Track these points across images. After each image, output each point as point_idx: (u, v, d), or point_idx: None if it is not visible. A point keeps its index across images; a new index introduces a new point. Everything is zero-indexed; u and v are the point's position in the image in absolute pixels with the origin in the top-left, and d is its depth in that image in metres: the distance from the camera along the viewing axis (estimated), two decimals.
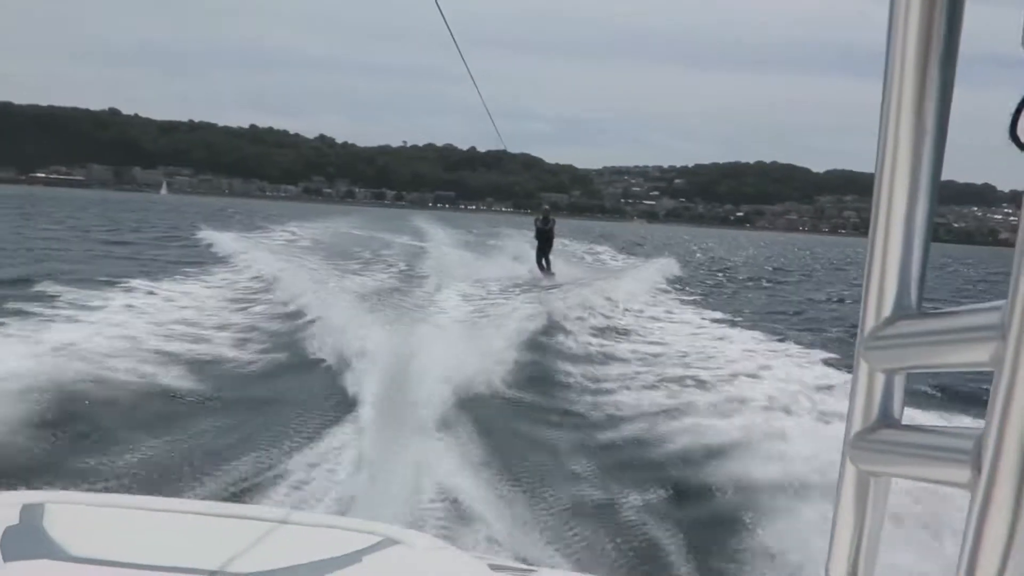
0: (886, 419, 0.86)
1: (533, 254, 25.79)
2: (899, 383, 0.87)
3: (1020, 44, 0.61)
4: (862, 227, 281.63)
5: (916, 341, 0.80)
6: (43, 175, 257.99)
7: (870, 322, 0.85)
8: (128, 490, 5.66)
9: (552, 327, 13.58)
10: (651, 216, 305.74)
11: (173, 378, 8.87)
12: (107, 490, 5.67)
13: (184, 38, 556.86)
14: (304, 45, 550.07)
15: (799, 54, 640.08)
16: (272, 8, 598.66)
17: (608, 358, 11.83)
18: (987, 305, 0.68)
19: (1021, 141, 0.71)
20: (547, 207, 29.06)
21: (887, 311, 0.84)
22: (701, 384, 9.75)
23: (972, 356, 0.70)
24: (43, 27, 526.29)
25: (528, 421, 8.62)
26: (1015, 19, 0.64)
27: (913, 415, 0.99)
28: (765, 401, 8.72)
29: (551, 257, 26.16)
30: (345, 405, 8.13)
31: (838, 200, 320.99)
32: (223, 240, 27.26)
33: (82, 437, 6.90)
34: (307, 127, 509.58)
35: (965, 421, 6.76)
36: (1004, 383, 0.59)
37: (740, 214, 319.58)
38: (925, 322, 0.80)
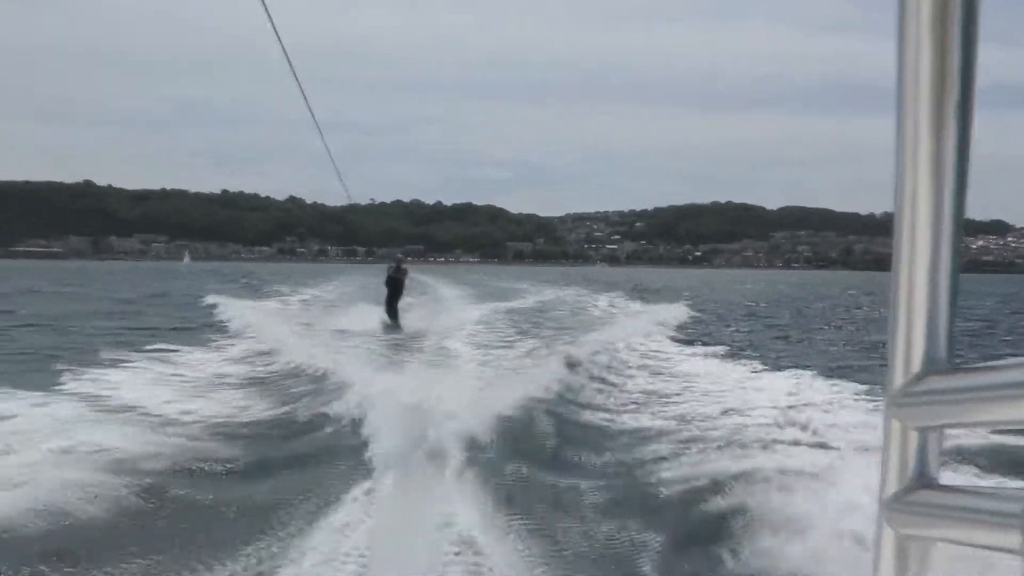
0: (923, 479, 0.83)
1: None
2: (934, 441, 0.83)
3: None
4: (815, 261, 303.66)
5: (951, 398, 0.77)
6: (23, 249, 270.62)
7: (898, 378, 0.82)
8: None
9: None
10: (613, 259, 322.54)
11: None
12: None
13: (149, 105, 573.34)
14: (269, 106, 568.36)
15: (751, 93, 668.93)
16: (233, 68, 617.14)
17: None
18: None
19: None
20: (400, 255, 28.35)
21: (916, 366, 0.80)
22: None
23: (1016, 413, 0.67)
24: (12, 105, 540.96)
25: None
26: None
27: (951, 474, 1.00)
28: None
29: (399, 308, 24.88)
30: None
31: (792, 235, 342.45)
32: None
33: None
34: (277, 189, 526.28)
35: (1009, 481, 7.55)
36: None
37: (698, 253, 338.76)
38: (960, 378, 0.77)
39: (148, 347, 18.10)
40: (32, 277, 75.63)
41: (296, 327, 22.62)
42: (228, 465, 8.84)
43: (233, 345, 19.51)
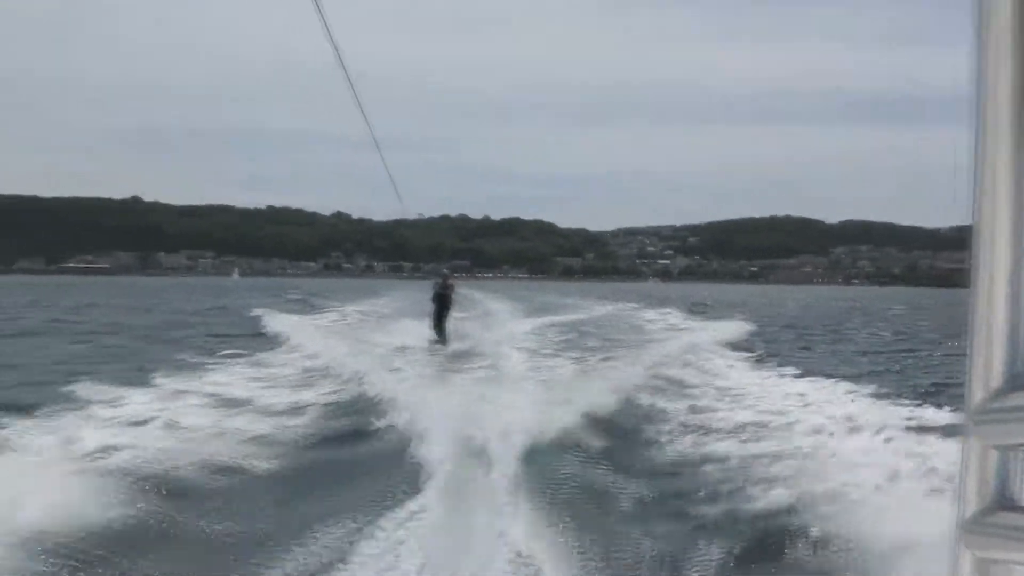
0: (1004, 500, 0.80)
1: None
2: (1017, 461, 0.82)
3: None
4: (876, 277, 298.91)
5: None
6: (72, 264, 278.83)
7: (978, 393, 0.80)
8: None
9: None
10: (666, 275, 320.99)
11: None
12: None
13: (192, 121, 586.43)
14: (314, 124, 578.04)
15: (810, 105, 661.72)
16: (280, 84, 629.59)
17: None
18: None
19: None
20: (446, 271, 28.90)
21: (997, 382, 0.79)
22: None
23: None
24: (60, 120, 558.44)
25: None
26: None
27: None
28: None
29: (447, 325, 25.39)
30: None
31: (852, 250, 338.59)
32: None
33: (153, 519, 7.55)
34: (323, 204, 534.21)
35: None
36: None
37: (754, 269, 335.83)
38: None
39: (227, 351, 20.90)
40: (89, 292, 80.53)
41: (347, 341, 24.31)
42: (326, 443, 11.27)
43: (290, 353, 21.77)
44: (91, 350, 23.33)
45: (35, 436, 10.28)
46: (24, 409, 11.98)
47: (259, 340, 25.07)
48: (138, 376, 15.89)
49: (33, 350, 23.94)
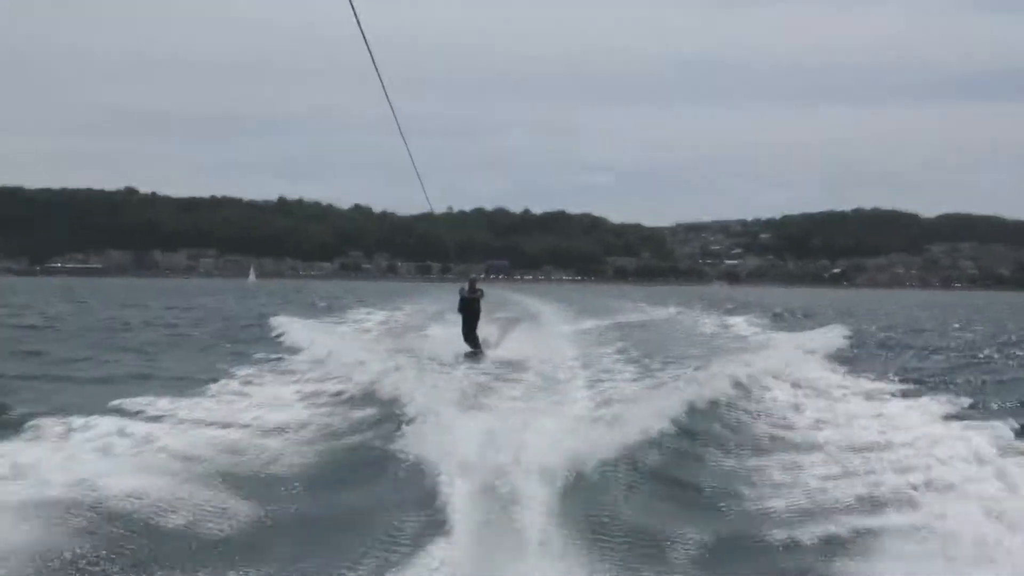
0: None
1: None
2: None
3: None
4: (979, 279, 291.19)
5: None
6: (59, 264, 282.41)
7: None
8: None
9: None
10: (732, 277, 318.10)
11: None
12: None
13: (200, 105, 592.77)
14: (330, 107, 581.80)
15: (899, 80, 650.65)
16: (291, 69, 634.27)
17: None
18: None
19: None
20: (474, 276, 29.94)
21: None
22: None
23: None
24: (49, 102, 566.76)
25: None
26: None
27: None
28: None
29: (478, 333, 26.18)
30: None
31: (952, 248, 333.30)
32: None
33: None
34: (340, 196, 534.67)
35: None
36: None
37: (836, 270, 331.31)
38: None
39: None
40: (101, 296, 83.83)
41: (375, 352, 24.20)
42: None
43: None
44: (180, 341, 31.04)
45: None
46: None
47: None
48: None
49: (148, 345, 29.39)
